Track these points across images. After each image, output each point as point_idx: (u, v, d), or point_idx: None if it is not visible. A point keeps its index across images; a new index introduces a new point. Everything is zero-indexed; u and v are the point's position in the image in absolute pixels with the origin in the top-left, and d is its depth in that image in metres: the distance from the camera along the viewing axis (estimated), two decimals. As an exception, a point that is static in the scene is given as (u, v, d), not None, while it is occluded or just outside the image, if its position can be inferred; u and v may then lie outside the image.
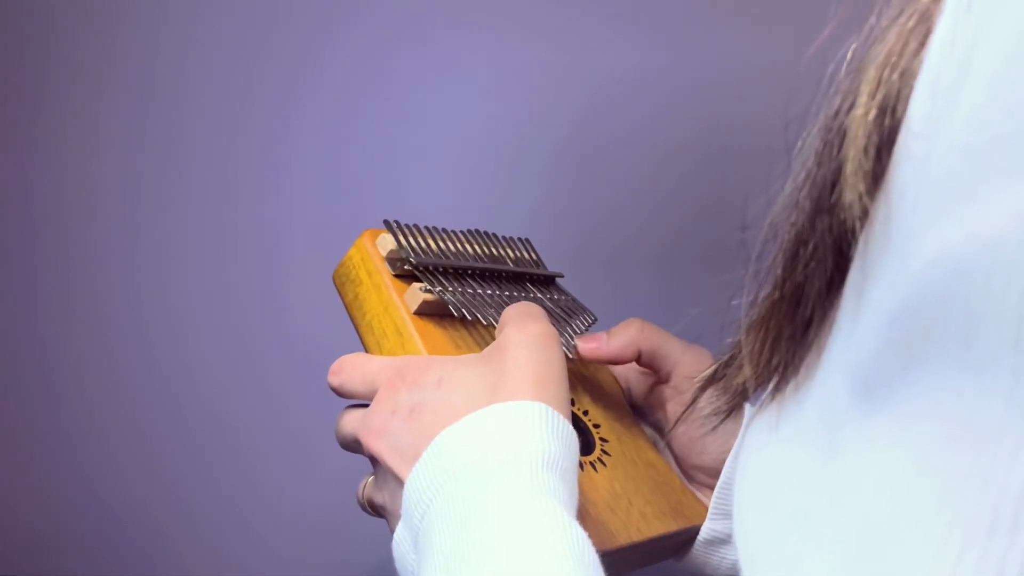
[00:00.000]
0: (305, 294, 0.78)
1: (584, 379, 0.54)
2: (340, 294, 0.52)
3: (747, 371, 0.31)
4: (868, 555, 0.23)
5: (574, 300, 0.58)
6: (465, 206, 0.79)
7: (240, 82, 0.82)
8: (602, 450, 0.50)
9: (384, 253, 0.51)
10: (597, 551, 0.43)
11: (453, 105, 0.79)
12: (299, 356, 0.81)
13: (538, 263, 0.59)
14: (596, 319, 0.56)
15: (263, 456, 0.83)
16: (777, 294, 0.29)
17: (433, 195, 0.80)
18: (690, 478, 0.53)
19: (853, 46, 0.27)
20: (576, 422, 0.50)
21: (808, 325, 0.28)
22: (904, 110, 0.24)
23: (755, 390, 0.32)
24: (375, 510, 0.44)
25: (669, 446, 0.53)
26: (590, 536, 0.44)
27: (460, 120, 0.79)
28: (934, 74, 0.23)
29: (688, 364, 0.51)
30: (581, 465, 0.47)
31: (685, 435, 0.51)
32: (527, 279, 0.56)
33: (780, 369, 0.30)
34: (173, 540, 0.85)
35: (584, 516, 0.44)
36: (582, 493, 0.45)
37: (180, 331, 0.85)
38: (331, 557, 0.81)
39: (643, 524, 0.46)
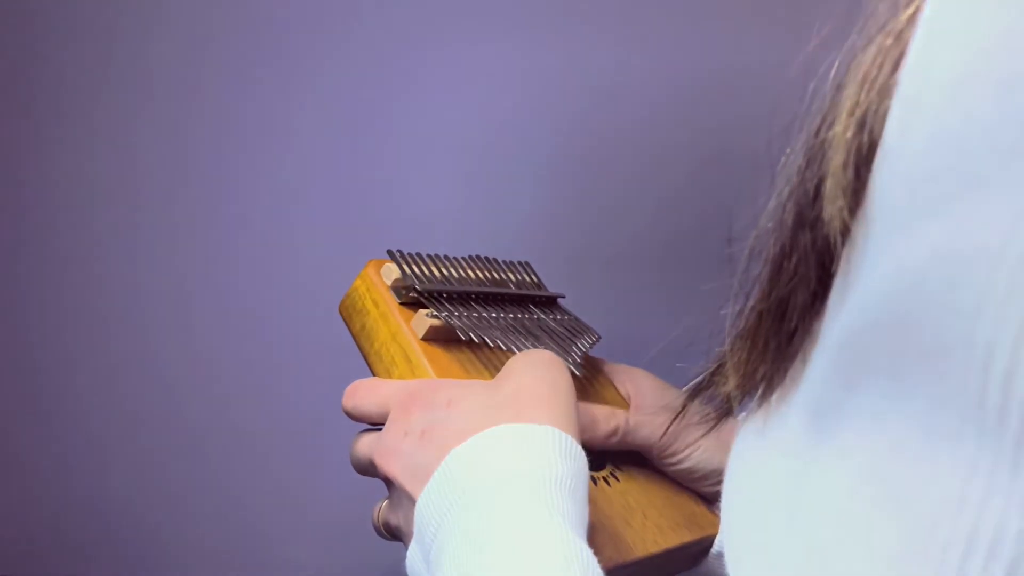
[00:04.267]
0: (313, 300, 0.78)
1: (591, 396, 0.54)
2: (347, 324, 0.53)
3: (733, 381, 0.32)
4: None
5: (577, 320, 0.59)
6: (463, 209, 0.80)
7: (235, 84, 0.83)
8: (614, 465, 0.50)
9: (389, 282, 0.52)
10: (615, 564, 0.44)
11: (449, 108, 0.80)
12: (310, 369, 0.82)
13: (539, 285, 0.60)
14: (600, 338, 0.57)
15: (268, 460, 0.84)
16: (762, 306, 0.30)
17: (430, 198, 0.81)
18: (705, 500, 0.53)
19: (836, 63, 0.27)
20: None
21: (792, 337, 0.29)
22: (881, 129, 0.24)
23: (742, 399, 0.32)
24: (390, 532, 0.45)
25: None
26: (607, 550, 0.44)
27: (455, 123, 0.80)
28: (904, 96, 0.23)
29: (663, 442, 0.51)
30: (594, 480, 0.48)
31: (675, 468, 0.52)
32: (530, 301, 0.57)
33: (765, 379, 0.30)
34: (177, 543, 0.85)
35: (600, 530, 0.45)
36: (597, 508, 0.46)
37: (186, 338, 0.85)
38: (342, 563, 0.81)
39: (659, 536, 0.47)
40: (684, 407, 0.40)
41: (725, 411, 0.34)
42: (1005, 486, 0.20)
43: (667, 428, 0.49)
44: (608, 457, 0.51)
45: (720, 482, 0.45)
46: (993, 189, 0.20)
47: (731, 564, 0.29)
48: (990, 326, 0.20)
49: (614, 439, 0.49)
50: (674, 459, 0.51)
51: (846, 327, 0.25)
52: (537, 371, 0.42)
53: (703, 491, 0.52)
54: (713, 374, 0.34)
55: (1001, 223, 0.20)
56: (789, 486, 0.26)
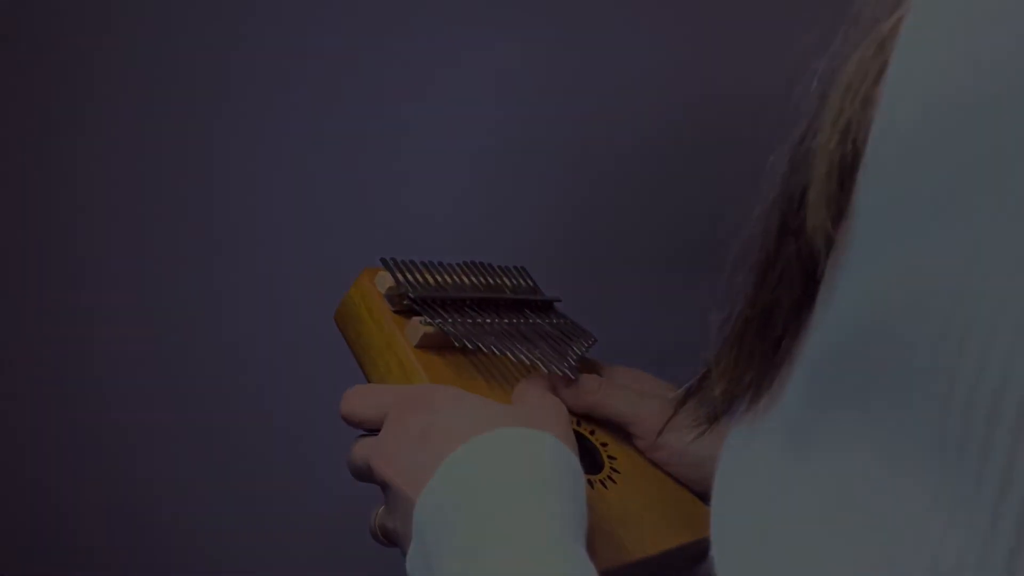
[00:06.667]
0: (308, 308, 0.78)
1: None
2: (343, 333, 0.53)
3: (720, 387, 0.32)
4: None
5: (573, 323, 0.59)
6: (459, 215, 0.80)
7: (231, 87, 0.84)
8: (611, 468, 0.50)
9: (383, 290, 0.52)
10: (613, 566, 0.44)
11: (445, 114, 0.80)
12: (307, 377, 0.82)
13: (535, 290, 0.60)
14: (596, 340, 0.57)
15: (265, 467, 0.84)
16: (748, 313, 0.30)
17: (426, 205, 0.81)
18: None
19: (820, 70, 0.27)
20: (584, 441, 0.51)
21: (779, 344, 0.29)
22: (864, 140, 0.24)
23: (730, 405, 0.32)
24: (387, 537, 0.45)
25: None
26: (605, 552, 0.44)
27: (451, 129, 0.80)
28: (883, 110, 0.23)
29: (644, 420, 0.52)
30: (591, 483, 0.48)
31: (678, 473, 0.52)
32: (525, 306, 0.57)
33: (752, 386, 0.30)
34: (174, 547, 0.86)
35: (598, 532, 0.45)
36: (594, 510, 0.46)
37: (180, 346, 0.86)
38: (338, 569, 0.81)
39: (656, 537, 0.47)
40: (676, 411, 0.40)
41: (714, 416, 0.34)
42: (965, 519, 0.19)
43: (659, 431, 0.49)
44: (606, 460, 0.51)
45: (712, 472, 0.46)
46: (955, 217, 0.20)
47: (718, 565, 0.30)
48: (950, 358, 0.19)
49: (587, 400, 0.51)
50: (656, 438, 0.52)
51: (819, 349, 0.25)
52: (546, 398, 0.44)
53: (697, 485, 0.52)
54: (702, 379, 0.34)
55: (961, 252, 0.20)
56: (769, 499, 0.26)
